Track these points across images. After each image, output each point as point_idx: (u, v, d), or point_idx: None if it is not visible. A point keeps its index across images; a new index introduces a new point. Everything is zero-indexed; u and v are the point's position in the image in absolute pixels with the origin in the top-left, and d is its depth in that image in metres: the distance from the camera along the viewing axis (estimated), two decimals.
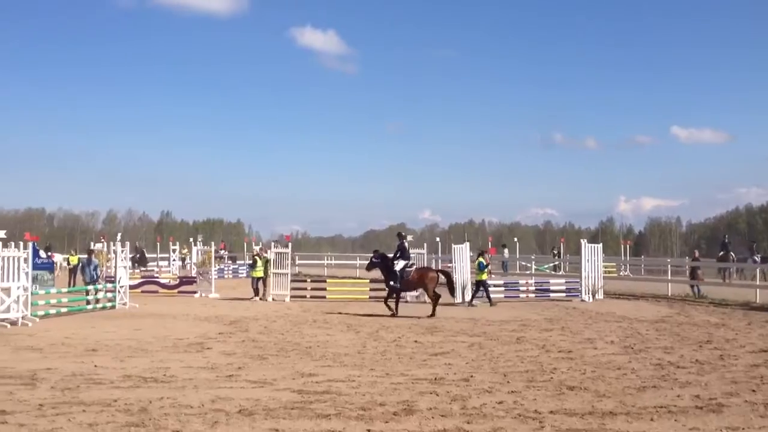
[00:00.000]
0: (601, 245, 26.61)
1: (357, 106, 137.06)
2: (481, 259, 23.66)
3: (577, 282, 25.62)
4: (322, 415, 8.07)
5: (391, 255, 21.06)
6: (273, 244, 31.14)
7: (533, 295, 25.48)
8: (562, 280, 28.18)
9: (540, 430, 7.61)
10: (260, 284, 25.65)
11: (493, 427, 7.71)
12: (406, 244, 21.23)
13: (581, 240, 27.25)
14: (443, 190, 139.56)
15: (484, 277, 23.47)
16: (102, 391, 9.38)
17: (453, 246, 25.82)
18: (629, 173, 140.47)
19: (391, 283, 20.32)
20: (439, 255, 34.31)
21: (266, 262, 25.87)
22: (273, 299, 24.80)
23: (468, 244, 26.09)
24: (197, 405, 8.55)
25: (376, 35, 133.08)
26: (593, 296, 24.85)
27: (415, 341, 14.56)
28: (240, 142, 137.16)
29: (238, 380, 10.30)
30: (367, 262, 22.00)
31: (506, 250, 40.73)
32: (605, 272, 28.01)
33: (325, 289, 25.85)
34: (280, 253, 25.71)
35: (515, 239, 43.74)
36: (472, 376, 10.65)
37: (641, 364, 11.83)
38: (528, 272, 36.97)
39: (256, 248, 27.95)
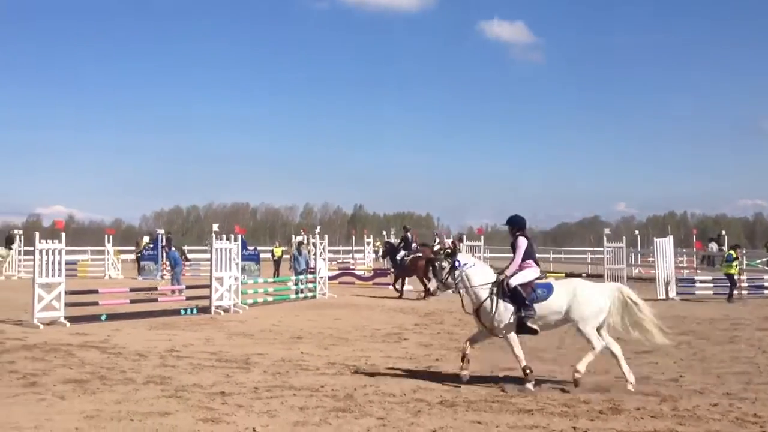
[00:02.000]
0: None
1: (544, 96, 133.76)
2: (731, 252, 23.38)
3: None
4: (524, 410, 7.93)
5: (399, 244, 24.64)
6: (461, 236, 31.21)
7: (745, 292, 23.67)
8: None
9: None
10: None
11: (707, 430, 7.24)
12: (410, 236, 24.62)
13: None
14: (639, 181, 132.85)
15: (733, 271, 22.86)
16: (309, 376, 9.82)
17: (654, 240, 24.58)
18: None
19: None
20: (638, 249, 32.79)
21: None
22: None
23: (671, 237, 24.72)
24: (399, 394, 8.71)
25: (564, 24, 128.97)
26: None
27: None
28: (426, 137, 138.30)
29: (437, 371, 10.40)
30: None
31: (714, 244, 38.12)
32: None
33: None
34: (472, 246, 25.71)
35: (722, 232, 40.85)
36: (681, 376, 10.05)
37: None
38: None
39: (448, 241, 28.11)
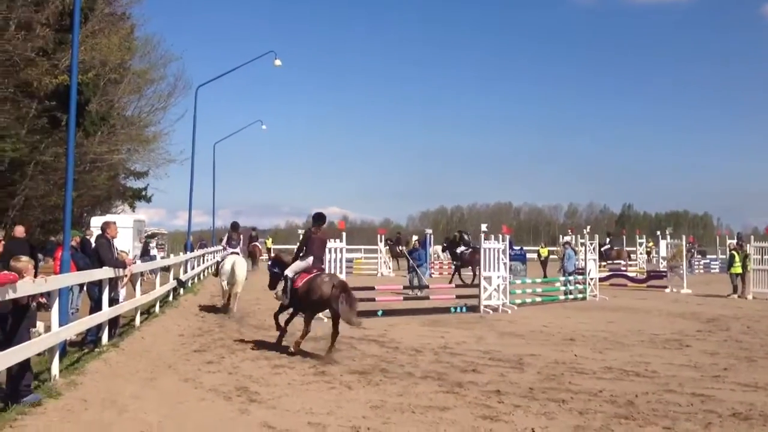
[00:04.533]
0: None
1: None
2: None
3: None
4: None
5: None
6: (741, 236, 28.65)
7: None
8: None
9: None
10: (738, 281, 23.69)
11: None
12: (466, 236, 28.46)
13: None
14: None
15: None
16: (585, 380, 9.52)
17: None
18: None
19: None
20: None
21: (745, 257, 23.79)
22: (753, 297, 22.72)
23: None
24: (685, 404, 8.14)
25: None
26: None
27: None
28: (702, 133, 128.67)
29: (726, 381, 9.57)
30: None
31: None
32: None
33: None
34: (761, 247, 23.45)
35: None
36: None
37: None
38: None
39: (732, 242, 25.94)
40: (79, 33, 11.75)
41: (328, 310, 11.78)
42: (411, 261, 23.94)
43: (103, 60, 25.74)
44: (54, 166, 24.69)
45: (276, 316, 12.41)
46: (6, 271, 6.97)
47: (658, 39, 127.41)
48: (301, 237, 13.31)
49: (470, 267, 26.94)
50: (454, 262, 28.70)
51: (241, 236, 21.13)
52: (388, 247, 35.12)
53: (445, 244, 31.15)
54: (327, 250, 14.63)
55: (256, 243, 39.26)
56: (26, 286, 7.20)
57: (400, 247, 34.02)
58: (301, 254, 11.97)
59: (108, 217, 25.46)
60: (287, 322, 12.24)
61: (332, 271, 14.98)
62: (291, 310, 12.24)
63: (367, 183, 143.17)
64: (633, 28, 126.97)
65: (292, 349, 11.38)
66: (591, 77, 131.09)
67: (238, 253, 18.17)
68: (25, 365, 7.26)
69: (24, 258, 7.57)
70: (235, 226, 19.79)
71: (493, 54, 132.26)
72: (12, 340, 7.13)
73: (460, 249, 27.76)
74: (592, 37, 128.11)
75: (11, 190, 23.78)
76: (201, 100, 34.88)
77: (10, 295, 6.84)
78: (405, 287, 22.06)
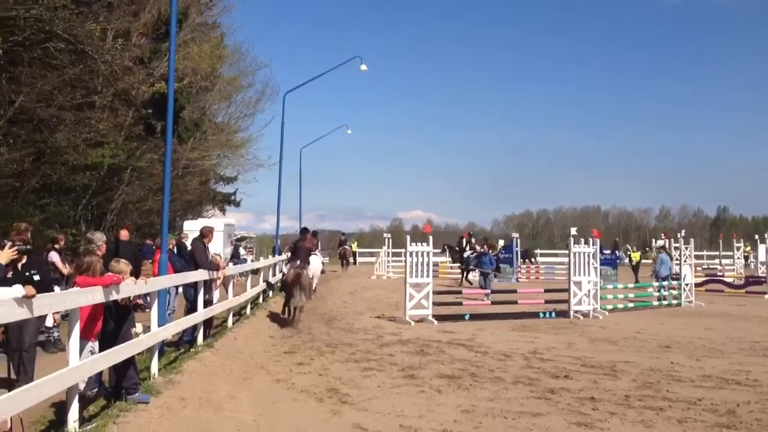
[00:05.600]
0: None
1: None
2: None
3: None
4: None
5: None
6: None
7: None
8: None
9: None
10: None
11: None
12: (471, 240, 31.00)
13: None
14: None
15: None
16: (683, 388, 9.20)
17: None
18: None
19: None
20: None
21: None
22: None
23: None
24: None
25: None
26: None
27: None
28: None
29: None
30: None
31: None
32: None
33: None
34: None
35: None
36: None
37: None
38: None
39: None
40: (175, 43, 12.13)
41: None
42: (468, 265, 25.29)
43: (195, 68, 26.44)
44: (149, 171, 25.53)
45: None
46: (110, 273, 7.25)
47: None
48: (292, 246, 18.62)
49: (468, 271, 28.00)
50: (462, 267, 29.25)
51: (318, 242, 21.29)
52: (448, 251, 34.93)
53: (448, 248, 33.58)
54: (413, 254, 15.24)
55: (346, 246, 40.58)
56: (129, 288, 7.47)
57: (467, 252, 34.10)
58: (292, 259, 16.96)
59: (205, 222, 26.25)
60: (284, 305, 16.42)
61: (417, 273, 16.52)
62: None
63: (451, 186, 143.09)
64: (734, 26, 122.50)
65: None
66: (684, 74, 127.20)
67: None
68: (129, 363, 7.53)
69: (123, 261, 7.84)
70: (303, 231, 18.31)
71: (582, 53, 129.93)
72: (116, 340, 7.40)
73: (467, 253, 28.66)
74: (691, 34, 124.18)
75: (109, 195, 24.68)
76: (288, 106, 35.42)
77: (114, 296, 7.10)
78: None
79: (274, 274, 22.61)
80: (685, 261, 21.83)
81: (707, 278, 27.71)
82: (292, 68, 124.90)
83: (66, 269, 12.09)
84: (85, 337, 6.82)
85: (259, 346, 12.42)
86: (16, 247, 6.24)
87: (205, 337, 11.72)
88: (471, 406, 8.00)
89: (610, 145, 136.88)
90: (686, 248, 22.10)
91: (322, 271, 23.03)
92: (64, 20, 17.22)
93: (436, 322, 16.03)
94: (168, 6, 16.08)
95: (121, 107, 22.75)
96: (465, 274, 28.39)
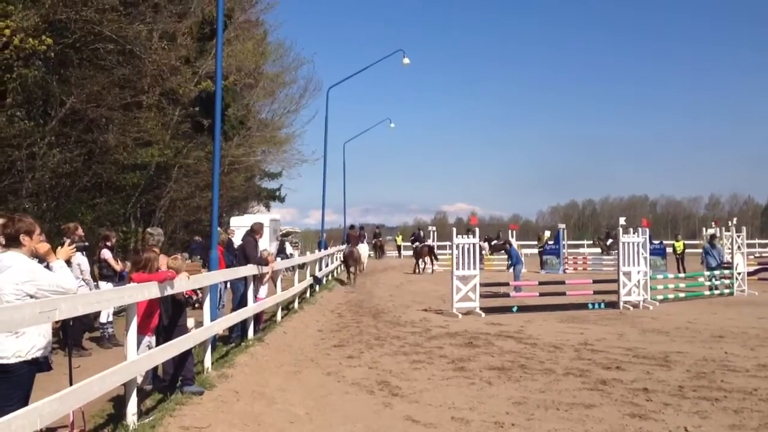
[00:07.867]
0: None
1: None
2: None
3: None
4: None
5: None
6: None
7: None
8: None
9: None
10: None
11: None
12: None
13: None
14: None
15: None
16: (738, 378, 9.05)
17: None
18: None
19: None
20: None
21: None
22: None
23: None
24: None
25: None
26: None
27: None
28: None
29: None
30: None
31: None
32: None
33: None
34: None
35: None
36: None
37: None
38: None
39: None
40: (222, 42, 12.28)
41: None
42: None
43: (239, 66, 26.75)
44: (196, 168, 25.92)
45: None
46: (165, 269, 7.41)
47: None
48: (346, 236, 28.74)
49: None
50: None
51: (365, 233, 29.93)
52: (487, 244, 35.03)
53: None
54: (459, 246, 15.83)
55: (381, 238, 45.40)
56: (182, 283, 7.62)
57: (495, 242, 35.77)
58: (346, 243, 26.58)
59: (256, 218, 26.62)
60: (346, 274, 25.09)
61: (464, 265, 16.50)
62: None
63: (495, 179, 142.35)
64: None
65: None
66: (731, 62, 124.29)
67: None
68: (186, 355, 7.69)
69: (179, 257, 8.01)
70: (351, 227, 23.81)
71: (625, 38, 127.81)
72: (171, 334, 7.56)
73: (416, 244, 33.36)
74: (746, 23, 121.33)
75: (158, 193, 25.14)
76: (331, 100, 35.71)
77: (168, 291, 7.26)
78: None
79: (320, 269, 22.78)
80: (737, 249, 21.41)
81: (759, 267, 27.09)
82: (336, 63, 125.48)
83: (118, 266, 12.35)
84: (142, 332, 6.99)
85: (308, 340, 12.54)
86: (74, 245, 6.41)
87: (255, 331, 11.89)
88: (522, 398, 7.98)
89: (656, 134, 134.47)
90: (738, 236, 21.66)
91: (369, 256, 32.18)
92: (113, 22, 17.58)
93: (483, 314, 15.99)
94: (212, 7, 16.29)
95: (168, 106, 23.15)
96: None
